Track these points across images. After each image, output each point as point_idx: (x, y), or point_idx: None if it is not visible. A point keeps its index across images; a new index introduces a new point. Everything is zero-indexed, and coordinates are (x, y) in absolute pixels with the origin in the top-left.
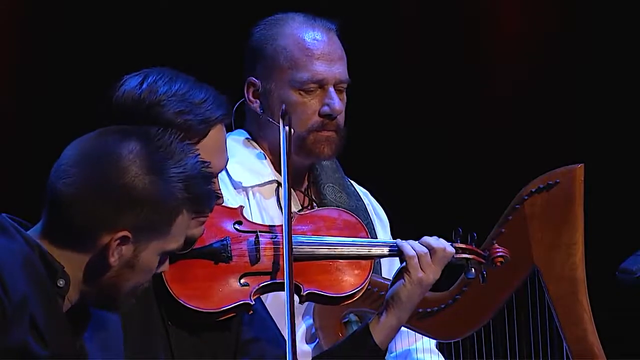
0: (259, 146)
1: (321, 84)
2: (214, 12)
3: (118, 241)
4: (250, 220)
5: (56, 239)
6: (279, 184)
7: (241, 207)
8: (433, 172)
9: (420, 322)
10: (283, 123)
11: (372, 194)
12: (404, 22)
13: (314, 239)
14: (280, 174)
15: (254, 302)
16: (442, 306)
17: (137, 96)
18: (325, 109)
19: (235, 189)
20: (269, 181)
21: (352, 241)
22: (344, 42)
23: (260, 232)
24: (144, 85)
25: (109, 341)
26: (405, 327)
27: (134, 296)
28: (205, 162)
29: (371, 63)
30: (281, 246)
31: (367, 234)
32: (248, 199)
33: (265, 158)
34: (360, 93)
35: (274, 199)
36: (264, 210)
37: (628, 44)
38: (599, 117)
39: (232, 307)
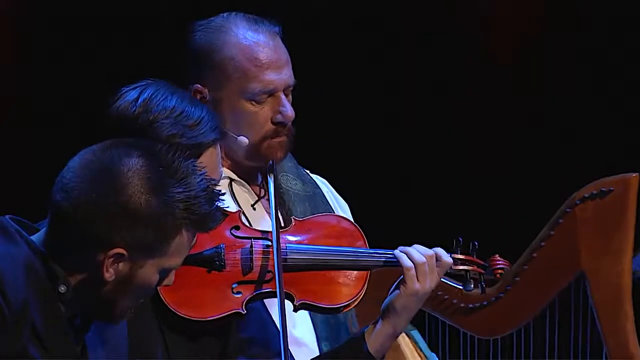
0: None
1: (272, 93)
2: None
3: (113, 258)
4: (248, 225)
5: (56, 248)
6: (231, 180)
7: (239, 211)
8: (433, 176)
9: (461, 318)
10: (268, 175)
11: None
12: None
13: (310, 248)
14: (233, 172)
15: (245, 311)
16: (484, 303)
17: (131, 114)
18: (279, 117)
19: None
20: (221, 178)
21: (349, 250)
22: (338, 37)
23: (254, 239)
24: (139, 102)
25: (114, 342)
26: (445, 321)
27: (133, 309)
28: (212, 180)
29: (370, 64)
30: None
31: (364, 242)
32: None
33: None
34: (362, 96)
35: (228, 196)
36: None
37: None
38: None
39: (223, 317)
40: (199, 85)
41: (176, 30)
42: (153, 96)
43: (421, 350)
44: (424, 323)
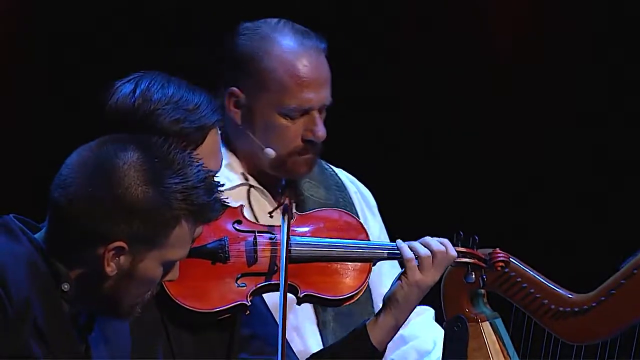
0: (232, 149)
1: (307, 111)
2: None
3: (113, 252)
4: (250, 219)
5: (57, 245)
6: (251, 187)
7: (241, 206)
8: (434, 171)
9: (550, 320)
10: (283, 218)
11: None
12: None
13: (313, 240)
14: (253, 179)
15: (250, 303)
16: (576, 309)
17: (131, 105)
18: (310, 136)
19: None
20: (238, 185)
21: (352, 243)
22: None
23: (258, 232)
24: (137, 93)
25: (117, 341)
26: (533, 318)
27: (140, 305)
28: (210, 171)
29: (371, 63)
30: (279, 247)
31: (367, 236)
32: None
33: (234, 159)
34: (359, 91)
35: (245, 204)
36: None
37: None
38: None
39: (228, 308)
40: (235, 89)
41: (175, 30)
42: (150, 85)
43: (502, 339)
44: (510, 314)
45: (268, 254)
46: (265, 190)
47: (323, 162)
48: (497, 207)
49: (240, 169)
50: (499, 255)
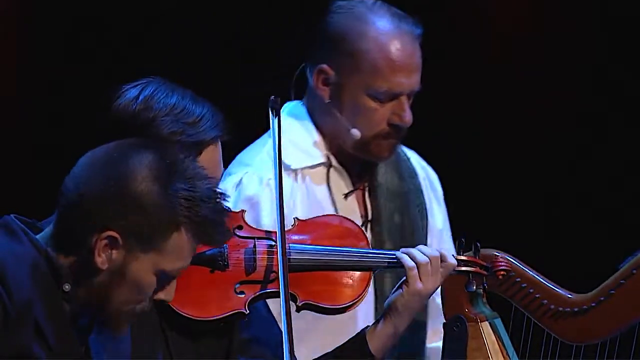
0: (316, 126)
1: (397, 96)
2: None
3: (106, 241)
4: (251, 225)
5: (61, 243)
6: (331, 166)
7: (242, 211)
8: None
9: (549, 320)
10: (272, 113)
11: None
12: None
13: (312, 248)
14: (334, 157)
15: (248, 312)
16: (575, 309)
17: (132, 112)
18: (397, 120)
19: (284, 170)
20: (320, 163)
21: (352, 251)
22: None
23: (258, 239)
24: (140, 99)
25: (117, 344)
26: (532, 318)
27: (132, 315)
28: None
29: None
30: (276, 255)
31: (367, 243)
32: (296, 181)
33: (320, 137)
34: None
35: (323, 183)
36: (312, 194)
37: None
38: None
39: (226, 316)
40: (325, 66)
41: (175, 30)
42: (154, 93)
43: (501, 339)
44: (510, 314)
45: (268, 262)
46: (344, 171)
47: (399, 148)
48: (497, 207)
49: (324, 150)
50: (500, 264)
